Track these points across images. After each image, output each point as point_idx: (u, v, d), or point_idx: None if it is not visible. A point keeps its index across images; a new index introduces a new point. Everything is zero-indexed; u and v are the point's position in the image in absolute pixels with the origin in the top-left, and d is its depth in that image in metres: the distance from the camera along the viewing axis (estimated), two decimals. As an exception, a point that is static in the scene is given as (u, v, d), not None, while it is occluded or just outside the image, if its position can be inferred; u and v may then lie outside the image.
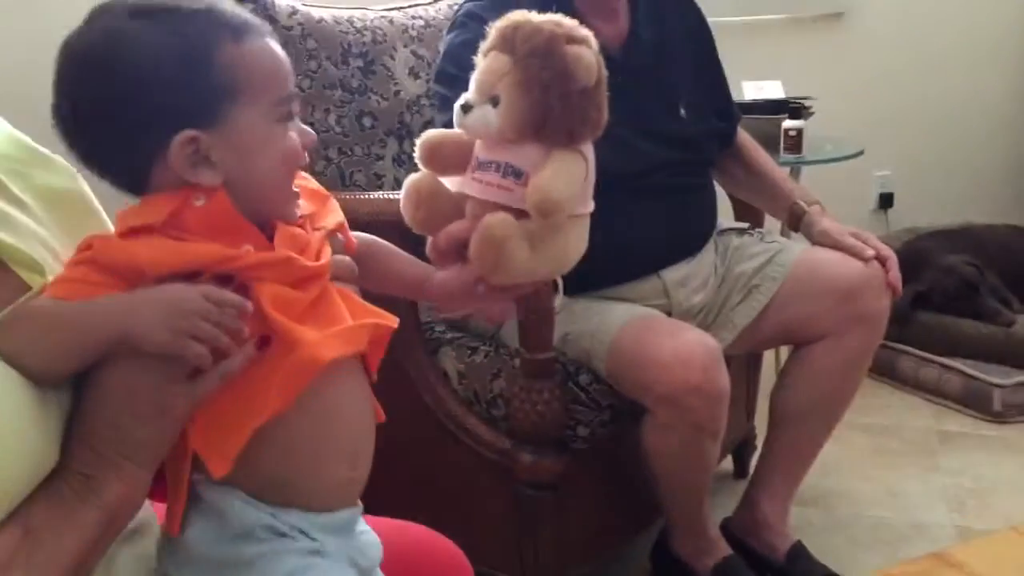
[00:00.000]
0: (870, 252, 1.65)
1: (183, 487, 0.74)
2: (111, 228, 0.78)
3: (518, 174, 0.81)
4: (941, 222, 3.05)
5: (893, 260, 1.65)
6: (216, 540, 0.75)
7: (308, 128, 0.80)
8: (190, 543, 0.76)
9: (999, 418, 2.42)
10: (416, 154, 0.87)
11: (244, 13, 0.76)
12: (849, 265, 1.66)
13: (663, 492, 1.61)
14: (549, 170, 0.79)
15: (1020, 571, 1.01)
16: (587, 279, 1.58)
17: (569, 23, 0.82)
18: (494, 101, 0.81)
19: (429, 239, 0.87)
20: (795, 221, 1.78)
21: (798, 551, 1.72)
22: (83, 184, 0.83)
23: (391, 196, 1.57)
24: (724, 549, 1.70)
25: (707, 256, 1.74)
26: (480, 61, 0.83)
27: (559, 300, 1.40)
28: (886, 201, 3.41)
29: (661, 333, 1.50)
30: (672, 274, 1.66)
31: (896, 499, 2.08)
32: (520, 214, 0.80)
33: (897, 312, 2.56)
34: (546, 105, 0.79)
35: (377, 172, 1.86)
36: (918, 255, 2.76)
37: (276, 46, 0.77)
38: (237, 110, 0.73)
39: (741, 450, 2.12)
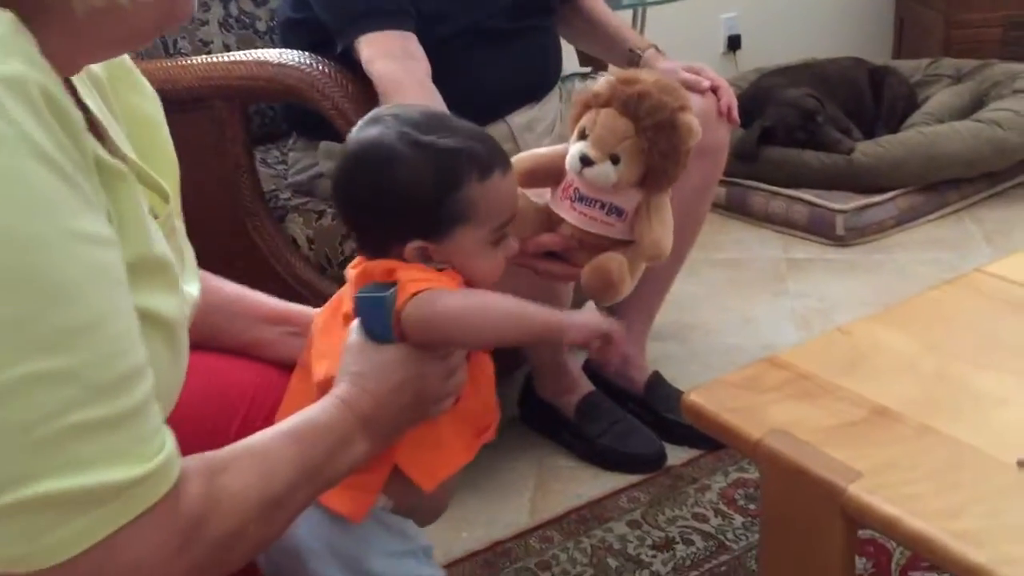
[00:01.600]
0: (706, 83, 1.67)
1: (377, 488, 0.87)
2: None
3: (620, 212, 0.96)
4: (789, 61, 3.12)
5: (725, 88, 1.67)
6: (384, 551, 0.90)
7: (513, 243, 0.91)
8: (370, 538, 0.89)
9: (841, 242, 2.55)
10: None
11: (495, 149, 0.88)
12: (687, 99, 1.68)
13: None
14: (656, 222, 0.97)
15: (840, 365, 1.07)
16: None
17: (676, 89, 0.95)
18: (614, 159, 0.93)
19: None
20: (633, 67, 1.79)
21: (655, 380, 1.80)
22: (163, 118, 0.83)
23: (215, 60, 1.50)
24: (586, 386, 1.77)
25: (552, 101, 1.74)
26: (590, 112, 0.95)
27: None
28: (734, 43, 3.46)
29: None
30: (518, 119, 1.65)
31: (748, 325, 2.18)
32: (616, 243, 0.97)
33: (745, 149, 2.65)
34: (660, 165, 0.94)
35: (203, 38, 1.77)
36: (763, 92, 2.82)
37: (511, 179, 0.89)
38: (463, 231, 0.86)
39: (602, 294, 2.17)
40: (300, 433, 0.73)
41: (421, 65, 1.46)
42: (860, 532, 1.47)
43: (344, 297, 0.90)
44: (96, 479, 0.55)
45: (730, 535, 1.52)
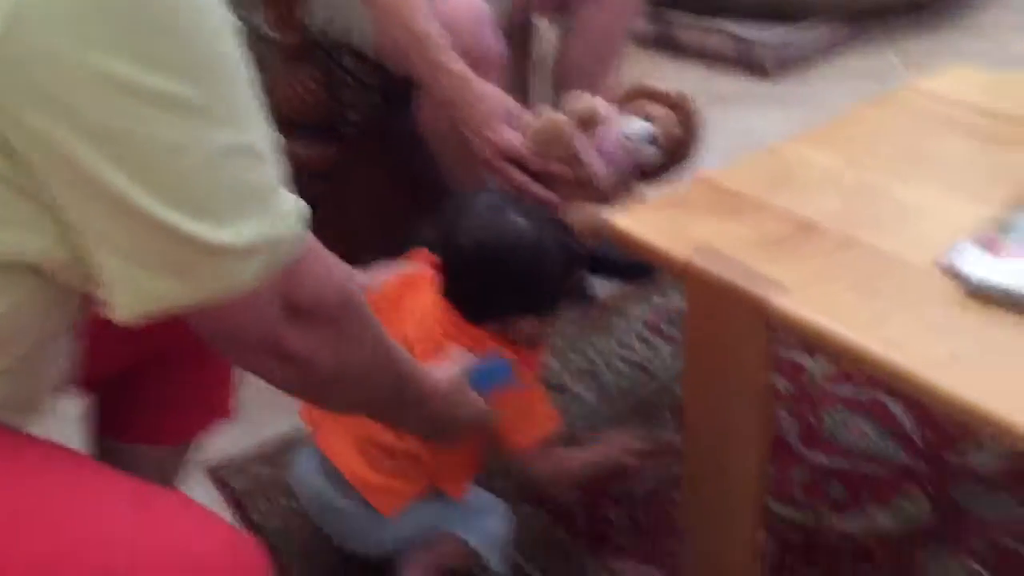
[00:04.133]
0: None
1: (411, 496, 1.10)
2: None
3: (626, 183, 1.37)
4: None
5: None
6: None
7: None
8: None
9: (767, 75, 2.52)
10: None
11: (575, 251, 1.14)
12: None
13: (446, 169, 1.59)
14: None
15: (766, 182, 1.06)
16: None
17: None
18: (658, 145, 1.33)
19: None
20: None
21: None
22: None
23: None
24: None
25: None
26: (657, 106, 1.34)
27: None
28: None
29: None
30: None
31: (674, 159, 2.15)
32: (589, 195, 1.32)
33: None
34: (666, 165, 1.37)
35: None
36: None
37: None
38: (550, 317, 1.13)
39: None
40: (411, 374, 0.87)
41: None
42: (781, 352, 1.51)
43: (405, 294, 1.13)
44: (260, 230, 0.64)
45: (656, 363, 1.53)
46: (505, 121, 1.35)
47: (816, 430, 1.37)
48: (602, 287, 1.71)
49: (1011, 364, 0.78)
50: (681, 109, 1.30)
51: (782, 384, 1.45)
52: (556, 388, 1.48)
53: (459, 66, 1.35)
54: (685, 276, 0.96)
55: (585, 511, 1.26)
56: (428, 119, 1.50)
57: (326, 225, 1.49)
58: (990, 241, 0.89)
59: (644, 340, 1.58)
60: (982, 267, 0.86)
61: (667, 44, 2.68)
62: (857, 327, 0.83)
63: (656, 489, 1.28)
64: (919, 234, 0.95)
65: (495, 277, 1.07)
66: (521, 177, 1.33)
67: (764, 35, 2.52)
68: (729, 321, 0.94)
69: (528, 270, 1.06)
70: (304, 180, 1.45)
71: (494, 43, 1.41)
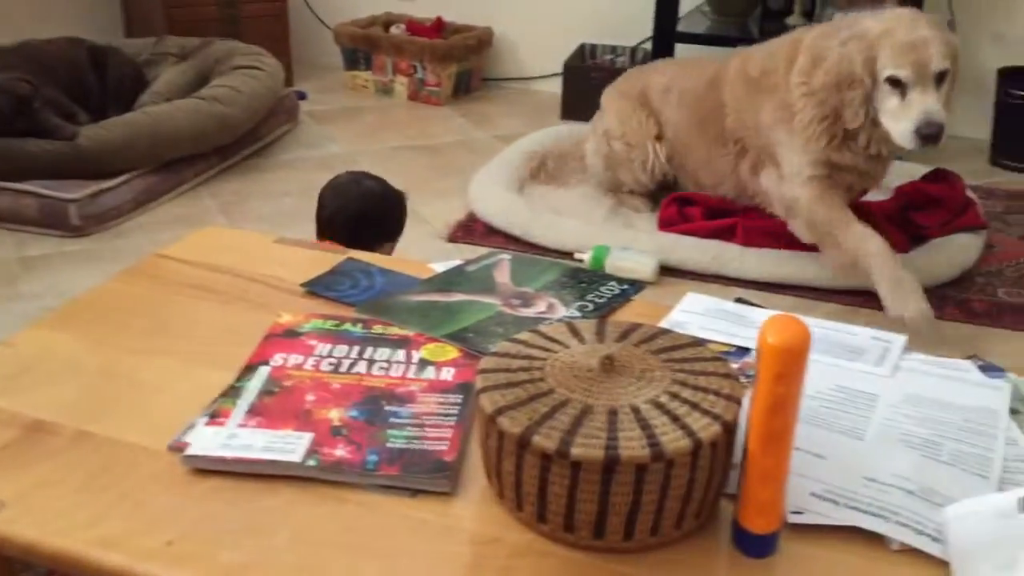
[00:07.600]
0: None
1: None
2: None
3: None
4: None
5: None
6: None
7: None
8: None
9: (80, 232, 2.45)
10: None
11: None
12: None
13: None
14: None
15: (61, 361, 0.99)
16: None
17: None
18: None
19: None
20: None
21: None
22: None
23: None
24: None
25: None
26: None
27: None
28: None
29: None
30: None
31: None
32: None
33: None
34: None
35: None
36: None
37: None
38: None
39: None
40: None
41: None
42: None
43: None
44: None
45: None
46: None
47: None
48: None
49: (227, 538, 0.80)
50: None
51: None
52: None
53: None
54: None
55: None
56: None
57: None
58: (217, 412, 0.92)
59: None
60: (207, 441, 0.88)
61: None
62: (74, 532, 0.80)
63: None
64: (156, 416, 0.94)
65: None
66: None
67: (72, 193, 2.44)
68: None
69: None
70: None
71: None
